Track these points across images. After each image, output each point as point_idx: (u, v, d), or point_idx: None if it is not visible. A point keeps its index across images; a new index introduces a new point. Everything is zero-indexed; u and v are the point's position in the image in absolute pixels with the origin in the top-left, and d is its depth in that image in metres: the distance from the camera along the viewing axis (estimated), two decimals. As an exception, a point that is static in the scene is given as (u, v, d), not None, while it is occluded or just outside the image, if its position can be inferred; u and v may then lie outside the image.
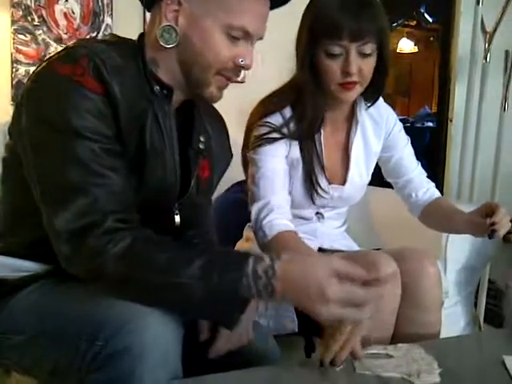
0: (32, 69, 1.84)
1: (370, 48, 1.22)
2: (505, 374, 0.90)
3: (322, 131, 1.33)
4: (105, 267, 0.83)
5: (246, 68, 0.96)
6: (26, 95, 0.91)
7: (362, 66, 1.22)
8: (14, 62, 1.85)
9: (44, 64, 0.91)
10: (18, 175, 0.93)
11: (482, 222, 1.20)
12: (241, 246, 1.45)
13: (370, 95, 1.35)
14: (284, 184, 1.28)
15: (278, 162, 1.29)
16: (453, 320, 1.61)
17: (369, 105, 1.38)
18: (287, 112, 1.30)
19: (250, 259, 0.83)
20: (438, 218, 1.42)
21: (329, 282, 0.81)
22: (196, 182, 1.03)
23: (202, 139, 1.05)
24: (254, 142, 1.30)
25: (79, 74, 0.86)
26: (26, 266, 0.97)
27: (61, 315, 0.89)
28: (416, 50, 3.94)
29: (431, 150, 2.64)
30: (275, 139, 1.28)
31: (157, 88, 0.95)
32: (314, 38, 1.23)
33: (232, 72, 0.96)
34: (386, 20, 1.25)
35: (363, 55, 1.22)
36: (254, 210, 1.25)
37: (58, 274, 0.94)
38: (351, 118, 1.39)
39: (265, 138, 1.28)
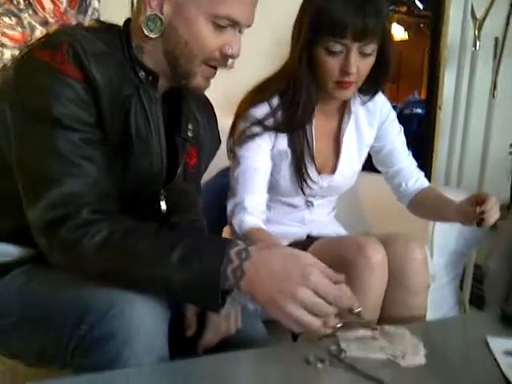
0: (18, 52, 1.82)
1: (371, 48, 1.20)
2: (488, 355, 0.91)
3: (313, 121, 1.32)
4: (82, 260, 0.83)
5: (233, 57, 0.94)
6: (5, 83, 0.90)
7: (361, 66, 1.21)
8: (0, 45, 1.82)
9: (25, 50, 0.90)
10: (2, 159, 0.92)
11: (471, 211, 1.21)
12: (227, 231, 1.45)
13: (368, 91, 1.34)
14: (262, 183, 1.28)
15: (260, 159, 1.28)
16: (439, 303, 1.63)
17: (365, 100, 1.37)
18: (275, 101, 1.29)
19: (227, 244, 0.82)
20: (426, 207, 1.43)
21: (313, 267, 0.81)
22: (183, 169, 1.03)
23: (190, 127, 1.05)
24: (237, 135, 1.29)
25: (58, 61, 0.85)
26: (10, 251, 0.97)
27: (46, 299, 0.88)
28: (406, 36, 3.94)
29: (420, 136, 2.65)
30: (258, 134, 1.28)
31: (142, 74, 0.94)
32: (314, 32, 1.21)
33: (219, 61, 0.95)
34: (387, 16, 1.24)
35: (363, 55, 1.20)
36: (229, 205, 1.25)
37: (43, 259, 0.93)
38: (344, 108, 1.38)
39: (248, 135, 1.27)
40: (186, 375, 0.81)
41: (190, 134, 1.04)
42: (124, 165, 0.93)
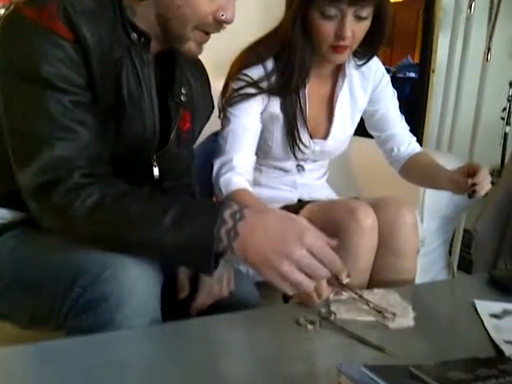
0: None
1: (366, 12, 1.18)
2: (476, 317, 0.92)
3: (306, 85, 1.31)
4: (73, 224, 0.82)
5: (227, 22, 0.92)
6: None
7: (356, 30, 1.19)
8: (-15, 4, 1.77)
9: (11, 8, 0.86)
10: None
11: (463, 182, 1.21)
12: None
13: (362, 54, 1.32)
14: (251, 143, 1.27)
15: (251, 119, 1.27)
16: (428, 267, 1.65)
17: (360, 64, 1.34)
18: (269, 64, 1.27)
19: (220, 206, 0.81)
20: (418, 173, 1.43)
21: (309, 228, 0.81)
22: (176, 134, 1.01)
23: (183, 91, 1.03)
24: (230, 95, 1.27)
25: (46, 19, 0.82)
26: (1, 214, 0.96)
27: (38, 262, 0.88)
28: (400, -2, 3.86)
29: (412, 100, 2.64)
30: (251, 95, 1.26)
31: (134, 35, 0.91)
32: None
33: (212, 27, 0.92)
34: None
35: (359, 18, 1.18)
36: (216, 164, 1.23)
37: (35, 223, 0.93)
38: (338, 72, 1.36)
39: (241, 94, 1.25)
40: (178, 337, 0.81)
41: (183, 99, 1.02)
42: (116, 128, 0.92)
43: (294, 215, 0.84)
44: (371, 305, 0.90)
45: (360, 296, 0.91)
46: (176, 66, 1.02)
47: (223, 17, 0.91)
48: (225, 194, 1.18)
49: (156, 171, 1.00)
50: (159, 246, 0.81)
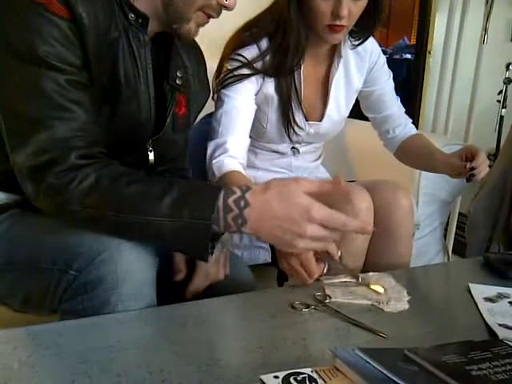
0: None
1: None
2: (470, 300, 0.93)
3: (301, 66, 1.29)
4: (69, 205, 0.81)
5: (228, 8, 0.92)
6: None
7: (352, 9, 1.17)
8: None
9: None
10: None
11: (460, 165, 1.21)
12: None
13: (358, 34, 1.30)
14: (246, 125, 1.25)
15: (245, 101, 1.25)
16: (423, 250, 1.66)
17: (356, 44, 1.33)
18: (264, 44, 1.25)
19: (221, 193, 0.81)
20: (414, 155, 1.42)
21: (311, 203, 0.80)
22: (172, 119, 1.00)
23: (179, 74, 1.01)
24: (224, 76, 1.25)
25: None
26: (-5, 196, 0.95)
27: (33, 244, 0.88)
28: (397, -22, 3.82)
29: (408, 82, 2.62)
30: (246, 76, 1.24)
31: (131, 16, 0.90)
32: None
33: (214, 10, 0.92)
34: None
35: None
36: (210, 147, 1.22)
37: (28, 205, 0.92)
38: (333, 52, 1.35)
39: (235, 75, 1.24)
40: (173, 320, 0.82)
41: (178, 82, 1.01)
42: (111, 110, 0.90)
43: (292, 185, 0.82)
44: (360, 280, 0.91)
45: (351, 272, 0.92)
46: (172, 49, 1.01)
47: (226, 1, 0.91)
48: (217, 176, 1.17)
49: (151, 156, 0.99)
50: (156, 230, 0.80)
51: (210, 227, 0.79)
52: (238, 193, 0.81)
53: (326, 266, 0.95)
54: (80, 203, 0.80)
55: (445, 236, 1.87)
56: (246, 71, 1.24)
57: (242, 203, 0.80)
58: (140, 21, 0.91)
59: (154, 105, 0.95)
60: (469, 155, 1.21)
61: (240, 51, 1.25)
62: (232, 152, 1.19)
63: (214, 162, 1.18)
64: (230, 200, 0.80)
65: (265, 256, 1.25)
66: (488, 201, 1.76)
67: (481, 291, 0.95)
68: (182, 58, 1.04)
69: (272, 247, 1.23)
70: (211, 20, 0.95)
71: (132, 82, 0.91)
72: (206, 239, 0.80)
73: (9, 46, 0.82)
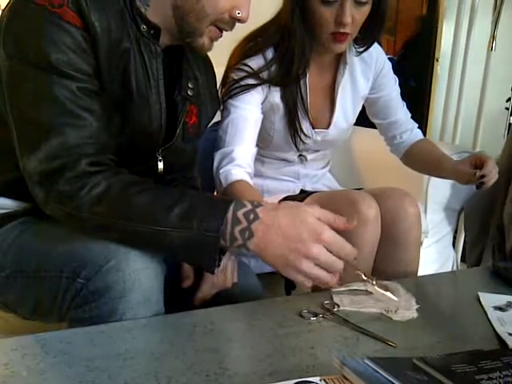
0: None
1: None
2: (479, 309, 0.92)
3: (307, 74, 1.29)
4: (79, 212, 0.81)
5: (242, 21, 0.93)
6: (2, 27, 0.86)
7: (356, 16, 1.17)
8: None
9: None
10: None
11: (470, 173, 1.21)
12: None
13: (363, 40, 1.30)
14: (252, 135, 1.25)
15: (252, 110, 1.25)
16: (432, 259, 1.65)
17: (360, 50, 1.33)
18: (269, 53, 1.26)
19: (231, 205, 0.81)
20: (421, 160, 1.42)
21: (322, 226, 0.80)
22: (182, 128, 1.01)
23: (190, 85, 1.02)
24: (230, 86, 1.25)
25: (57, 5, 0.82)
26: (4, 204, 0.96)
27: (41, 253, 0.88)
28: (404, -14, 3.82)
29: (416, 89, 2.62)
30: (252, 86, 1.24)
31: (144, 27, 0.91)
32: None
33: (227, 24, 0.93)
34: None
35: (359, 3, 1.16)
36: (217, 156, 1.22)
37: (37, 213, 0.92)
38: (339, 59, 1.35)
39: (241, 85, 1.24)
40: (181, 328, 0.81)
41: (189, 93, 1.02)
42: (122, 119, 0.91)
43: (305, 207, 0.83)
44: (376, 287, 0.90)
45: (367, 278, 0.90)
46: (183, 60, 1.02)
47: (239, 15, 0.91)
48: (224, 185, 1.17)
49: (160, 165, 1.00)
50: (164, 239, 0.80)
51: (219, 239, 0.79)
52: (249, 206, 0.81)
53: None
54: (90, 210, 0.81)
55: (453, 244, 1.86)
56: (252, 81, 1.25)
57: (252, 216, 0.80)
58: (152, 32, 0.92)
59: (165, 115, 0.96)
60: (478, 162, 1.21)
61: (246, 61, 1.26)
62: (239, 161, 1.19)
63: (221, 171, 1.18)
64: (240, 213, 0.80)
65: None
66: (481, 200, 1.77)
67: (490, 300, 0.95)
68: (192, 70, 1.05)
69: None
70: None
71: (143, 93, 0.92)
72: (213, 251, 0.80)
73: (22, 53, 0.83)
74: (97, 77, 0.86)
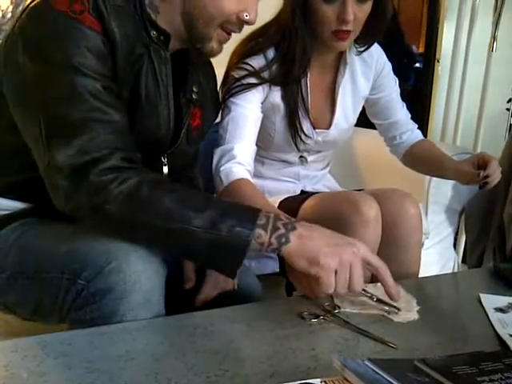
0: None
1: None
2: (480, 311, 0.92)
3: (308, 74, 1.29)
4: (108, 206, 0.81)
5: (250, 23, 0.94)
6: (19, 31, 0.86)
7: (358, 13, 1.17)
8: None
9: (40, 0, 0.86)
10: (4, 115, 0.89)
11: (472, 173, 1.21)
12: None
13: (363, 40, 1.30)
14: (252, 133, 1.24)
15: (252, 108, 1.25)
16: (433, 260, 1.65)
17: (361, 50, 1.33)
18: (270, 53, 1.26)
19: (263, 215, 0.83)
20: (422, 161, 1.42)
21: (359, 242, 0.85)
22: (187, 131, 1.01)
23: (195, 89, 1.03)
24: (231, 85, 1.25)
25: (78, 12, 0.83)
26: (6, 205, 0.96)
27: (42, 254, 0.88)
28: (405, -14, 3.82)
29: (417, 90, 2.62)
30: (253, 85, 1.24)
31: (154, 33, 0.92)
32: None
33: (235, 26, 0.94)
34: None
35: (360, 1, 1.16)
36: (217, 154, 1.21)
37: (39, 214, 0.93)
38: (340, 60, 1.35)
39: (242, 84, 1.24)
40: (182, 330, 0.81)
41: (194, 96, 1.03)
42: (130, 124, 0.91)
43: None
44: (375, 298, 0.90)
45: (364, 290, 0.91)
46: (189, 64, 1.03)
47: (247, 17, 0.92)
48: (225, 183, 1.16)
49: (165, 169, 1.00)
50: (193, 239, 0.81)
51: (247, 246, 0.80)
52: (287, 220, 0.84)
53: None
54: (119, 205, 0.80)
55: (454, 245, 1.86)
56: (252, 80, 1.25)
57: (290, 226, 0.83)
58: (162, 38, 0.93)
59: (173, 121, 0.97)
60: (481, 162, 1.21)
61: (247, 60, 1.26)
62: (239, 159, 1.19)
63: (221, 169, 1.18)
64: (280, 222, 0.83)
65: (273, 266, 1.25)
66: (481, 201, 1.77)
67: (492, 301, 0.95)
68: (197, 73, 1.06)
69: (281, 257, 1.23)
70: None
71: (152, 99, 0.93)
72: (239, 257, 0.81)
73: (46, 56, 0.84)
74: (114, 80, 0.87)
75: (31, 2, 0.88)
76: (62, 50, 0.83)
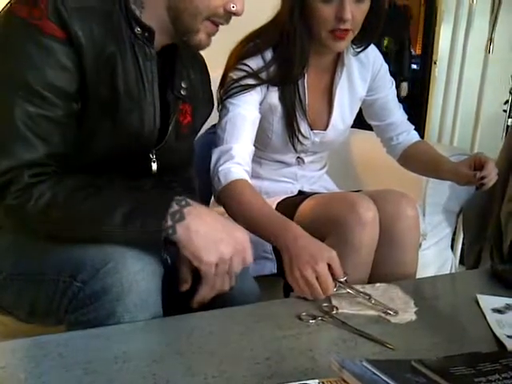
0: None
1: None
2: (478, 312, 0.92)
3: (305, 75, 1.29)
4: (29, 224, 0.84)
5: (237, 14, 0.93)
6: None
7: (356, 12, 1.17)
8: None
9: (6, 5, 0.86)
10: None
11: (469, 174, 1.21)
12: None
13: (360, 40, 1.30)
14: (250, 133, 1.24)
15: (250, 109, 1.24)
16: (431, 261, 1.65)
17: (358, 51, 1.33)
18: (268, 54, 1.25)
19: (173, 201, 0.83)
20: (419, 162, 1.42)
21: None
22: (175, 127, 1.00)
23: (183, 85, 1.02)
24: (229, 86, 1.25)
25: (37, 17, 0.81)
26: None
27: (38, 255, 0.88)
28: (402, -12, 3.83)
29: (414, 92, 2.62)
30: (251, 86, 1.24)
31: (138, 30, 0.91)
32: None
33: (222, 18, 0.93)
34: None
35: (358, 0, 1.16)
36: (215, 154, 1.21)
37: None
38: (337, 61, 1.35)
39: (241, 85, 1.24)
40: (179, 331, 0.81)
41: (183, 92, 1.02)
42: (112, 123, 0.91)
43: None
44: (373, 301, 0.90)
45: (359, 292, 0.91)
46: (176, 60, 1.02)
47: (234, 8, 0.91)
48: (224, 184, 1.16)
49: (154, 166, 0.99)
50: (110, 241, 0.82)
51: (160, 239, 0.82)
52: (176, 208, 0.84)
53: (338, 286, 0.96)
54: (38, 221, 0.83)
55: (452, 246, 1.86)
56: (251, 81, 1.25)
57: (178, 216, 0.83)
58: (146, 34, 0.92)
59: (159, 117, 0.96)
60: (477, 163, 1.21)
61: (245, 61, 1.26)
62: (238, 159, 1.19)
63: (220, 169, 1.18)
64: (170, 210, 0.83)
65: (270, 267, 1.25)
66: (479, 201, 1.77)
67: (489, 302, 0.95)
68: (186, 69, 1.04)
69: (278, 258, 1.23)
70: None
71: (134, 95, 0.92)
72: (159, 246, 0.83)
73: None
74: (81, 90, 0.86)
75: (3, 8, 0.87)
76: (11, 64, 0.83)
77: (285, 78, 1.26)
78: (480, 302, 0.95)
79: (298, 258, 0.97)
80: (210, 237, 0.84)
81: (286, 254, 1.01)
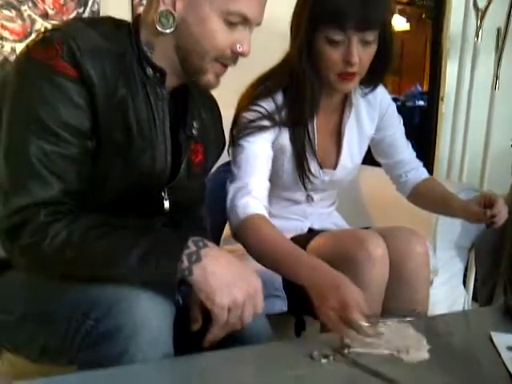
0: (18, 45, 1.81)
1: (372, 35, 1.18)
2: (492, 350, 0.91)
3: (314, 116, 1.31)
4: (44, 264, 0.85)
5: (243, 55, 0.95)
6: (3, 79, 0.89)
7: (363, 55, 1.19)
8: (0, 38, 1.81)
9: (23, 48, 0.89)
10: None
11: (480, 212, 1.22)
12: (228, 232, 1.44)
13: (368, 82, 1.32)
14: (265, 169, 1.25)
15: (264, 147, 1.26)
16: (443, 297, 1.63)
17: (366, 91, 1.35)
18: (279, 97, 1.28)
19: (191, 243, 0.83)
20: (428, 199, 1.43)
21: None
22: (187, 166, 1.02)
23: (195, 125, 1.04)
24: (243, 125, 1.26)
25: (51, 57, 0.84)
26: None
27: (51, 294, 0.88)
28: (408, 27, 3.91)
29: (422, 129, 2.64)
30: (266, 127, 1.26)
31: (149, 71, 0.94)
32: (314, 22, 1.19)
33: (229, 59, 0.95)
34: (388, 4, 1.22)
35: (365, 42, 1.19)
36: (231, 190, 1.21)
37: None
38: (345, 101, 1.37)
39: (255, 126, 1.25)
40: (190, 371, 0.81)
41: (194, 132, 1.04)
42: (126, 162, 0.92)
43: None
44: (385, 339, 0.89)
45: (373, 329, 0.90)
46: (189, 100, 1.04)
47: (240, 49, 0.94)
48: (242, 217, 1.15)
49: (166, 204, 1.00)
50: (125, 281, 0.83)
51: (175, 279, 0.82)
52: (193, 248, 0.84)
53: None
54: (53, 261, 0.84)
55: (464, 283, 1.84)
56: (266, 123, 1.26)
57: (194, 257, 0.83)
58: (158, 75, 0.95)
59: (170, 156, 0.98)
60: (487, 201, 1.22)
61: (257, 104, 1.27)
62: (255, 193, 1.18)
63: (238, 204, 1.17)
64: (186, 251, 0.83)
65: (281, 305, 1.24)
66: (491, 237, 1.76)
67: (503, 340, 0.93)
68: (198, 109, 1.07)
69: (289, 296, 1.22)
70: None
71: (146, 135, 0.94)
72: (172, 291, 0.83)
73: (15, 108, 0.86)
74: (94, 128, 0.88)
75: (19, 53, 0.91)
76: (25, 103, 0.85)
77: (296, 121, 1.28)
78: (494, 340, 0.93)
79: (328, 300, 0.95)
80: (225, 279, 0.83)
81: (313, 291, 0.99)
